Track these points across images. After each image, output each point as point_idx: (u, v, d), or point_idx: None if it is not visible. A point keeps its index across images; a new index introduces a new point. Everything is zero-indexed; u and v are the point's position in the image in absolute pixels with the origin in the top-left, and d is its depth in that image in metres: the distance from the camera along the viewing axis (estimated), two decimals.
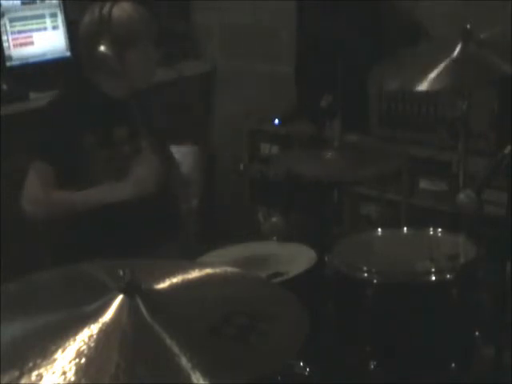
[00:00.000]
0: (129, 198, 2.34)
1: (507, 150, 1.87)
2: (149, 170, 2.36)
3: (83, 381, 1.03)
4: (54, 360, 1.06)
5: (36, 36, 3.56)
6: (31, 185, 2.35)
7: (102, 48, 2.34)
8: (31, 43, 3.54)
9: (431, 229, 2.22)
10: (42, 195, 2.34)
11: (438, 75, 2.16)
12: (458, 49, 2.22)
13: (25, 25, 3.52)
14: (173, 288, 1.27)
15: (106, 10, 2.35)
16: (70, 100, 2.46)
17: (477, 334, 2.05)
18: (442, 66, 2.18)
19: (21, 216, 2.40)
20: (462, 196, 1.85)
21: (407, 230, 2.28)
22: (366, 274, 1.99)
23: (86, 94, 2.44)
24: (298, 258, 2.23)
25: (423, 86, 2.17)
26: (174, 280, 1.29)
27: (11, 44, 3.46)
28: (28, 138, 2.52)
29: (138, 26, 2.39)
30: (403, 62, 2.37)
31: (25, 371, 1.04)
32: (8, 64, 3.45)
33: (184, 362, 1.07)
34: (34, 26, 3.55)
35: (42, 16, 3.57)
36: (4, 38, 3.43)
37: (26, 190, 2.35)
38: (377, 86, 3.26)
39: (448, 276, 1.98)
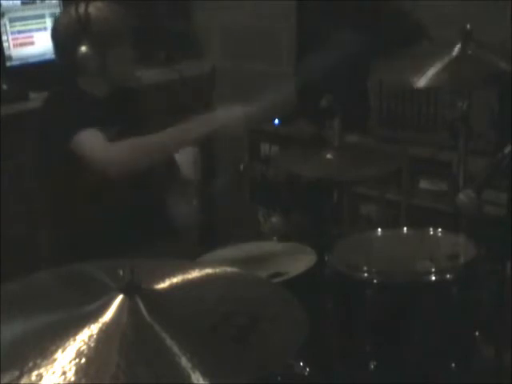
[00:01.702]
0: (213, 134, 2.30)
1: (507, 150, 1.87)
2: (237, 112, 2.33)
3: (83, 381, 1.03)
4: (54, 360, 1.06)
5: (36, 36, 3.56)
6: (92, 143, 2.25)
7: (83, 48, 2.33)
8: (31, 43, 3.54)
9: (431, 229, 2.22)
10: (111, 147, 2.25)
11: (437, 73, 2.17)
12: (457, 49, 2.23)
13: (25, 25, 3.52)
14: (173, 288, 1.27)
15: (81, 9, 2.33)
16: (57, 103, 2.45)
17: (477, 334, 2.05)
18: (440, 64, 2.19)
19: (20, 216, 2.40)
20: (461, 196, 1.85)
21: (407, 230, 2.28)
22: (366, 274, 1.99)
23: (73, 96, 2.44)
24: (298, 258, 2.23)
25: (421, 83, 2.18)
26: (174, 280, 1.29)
27: (11, 44, 3.46)
28: (28, 139, 2.53)
29: (115, 24, 2.38)
30: (403, 61, 2.37)
31: (25, 371, 1.04)
32: (8, 64, 3.45)
33: (184, 361, 1.07)
34: (34, 26, 3.55)
35: (42, 16, 3.57)
36: (4, 37, 3.44)
37: (92, 149, 2.24)
38: (377, 85, 3.26)
39: (448, 276, 1.98)
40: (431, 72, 2.17)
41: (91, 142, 2.25)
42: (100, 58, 2.34)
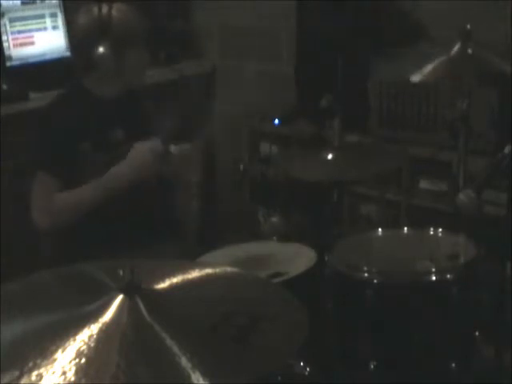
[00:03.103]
0: (128, 183, 2.34)
1: (507, 150, 1.87)
2: (146, 152, 2.37)
3: (83, 381, 1.03)
4: (54, 360, 1.06)
5: (36, 36, 3.56)
6: (35, 197, 2.38)
7: (101, 49, 2.34)
8: (31, 43, 3.54)
9: (431, 229, 2.22)
10: (47, 204, 2.35)
11: (434, 68, 2.18)
12: (456, 48, 2.23)
13: (25, 25, 3.52)
14: (173, 288, 1.27)
15: (104, 10, 2.35)
16: (64, 105, 2.46)
17: (477, 334, 2.05)
18: (439, 61, 2.20)
19: (20, 216, 2.41)
20: (461, 196, 1.85)
21: (407, 230, 2.28)
22: (366, 274, 1.99)
23: (79, 97, 2.45)
24: (297, 258, 2.23)
25: (417, 78, 2.19)
26: (174, 280, 1.29)
27: (11, 44, 3.46)
28: (28, 139, 2.53)
29: (136, 26, 2.41)
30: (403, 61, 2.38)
31: (25, 371, 1.04)
32: (8, 64, 3.44)
33: (184, 361, 1.07)
34: (34, 26, 3.55)
35: (42, 16, 3.57)
36: (4, 38, 3.43)
37: (32, 204, 2.37)
38: (377, 85, 3.26)
39: (448, 276, 1.98)
40: (428, 68, 2.18)
41: (36, 193, 2.37)
42: (117, 59, 2.36)
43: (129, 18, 2.40)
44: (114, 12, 2.36)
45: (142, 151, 2.39)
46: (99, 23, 2.35)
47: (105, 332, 1.11)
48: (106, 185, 2.36)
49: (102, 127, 2.41)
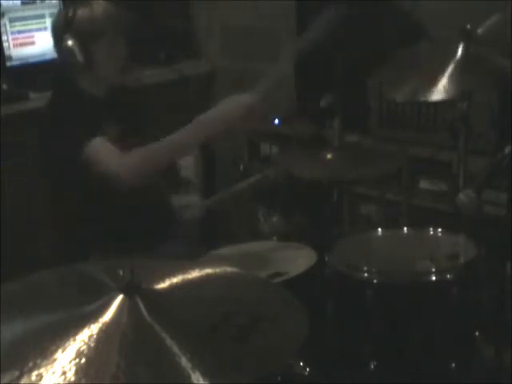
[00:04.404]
0: (212, 135, 2.36)
1: (507, 150, 1.87)
2: (239, 104, 2.37)
3: (83, 381, 1.03)
4: (54, 360, 1.06)
5: (36, 36, 3.56)
6: (106, 155, 2.30)
7: (68, 42, 2.36)
8: (31, 43, 3.54)
9: (431, 229, 2.22)
10: (124, 158, 2.29)
11: (442, 83, 2.13)
12: (459, 51, 2.21)
13: (25, 25, 3.52)
14: (173, 288, 1.27)
15: (75, 7, 2.38)
16: (57, 106, 2.47)
17: (477, 334, 2.05)
18: (445, 73, 2.15)
19: (21, 215, 2.40)
20: (461, 196, 1.85)
21: (407, 230, 2.28)
22: (366, 274, 2.00)
23: (70, 96, 2.45)
24: (297, 258, 2.23)
25: (427, 97, 2.15)
26: (174, 280, 1.29)
27: (11, 44, 3.46)
28: (28, 139, 2.53)
29: (100, 22, 2.40)
30: (403, 69, 2.35)
31: (25, 371, 1.04)
32: (8, 64, 3.45)
33: (184, 361, 1.07)
34: (34, 26, 3.56)
35: (42, 16, 3.57)
36: (4, 37, 3.44)
37: (106, 161, 2.28)
38: (377, 85, 3.25)
39: (448, 276, 1.98)
40: (436, 84, 2.12)
41: (104, 153, 2.29)
42: (83, 54, 2.36)
43: (93, 14, 2.40)
44: (82, 8, 2.38)
45: (235, 102, 2.37)
46: (65, 18, 2.38)
47: (105, 332, 1.11)
48: (189, 132, 2.31)
49: (95, 126, 2.41)
